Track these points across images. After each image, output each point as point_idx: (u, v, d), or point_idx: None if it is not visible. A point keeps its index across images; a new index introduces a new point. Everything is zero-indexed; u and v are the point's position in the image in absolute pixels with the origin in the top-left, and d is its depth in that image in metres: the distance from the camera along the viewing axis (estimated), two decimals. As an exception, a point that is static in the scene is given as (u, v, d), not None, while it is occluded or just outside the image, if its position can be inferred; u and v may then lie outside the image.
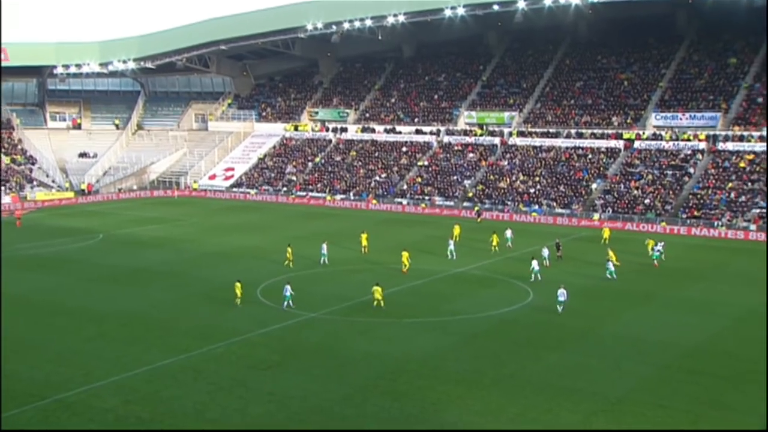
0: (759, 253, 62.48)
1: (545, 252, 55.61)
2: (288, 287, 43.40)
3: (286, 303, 42.91)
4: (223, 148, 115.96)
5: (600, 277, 51.45)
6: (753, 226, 70.85)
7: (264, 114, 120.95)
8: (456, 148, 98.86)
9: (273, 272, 52.87)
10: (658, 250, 56.72)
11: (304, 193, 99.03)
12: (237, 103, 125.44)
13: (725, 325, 40.63)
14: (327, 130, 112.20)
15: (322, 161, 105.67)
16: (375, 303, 42.65)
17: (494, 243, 61.36)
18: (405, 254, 53.38)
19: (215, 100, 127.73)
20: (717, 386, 31.34)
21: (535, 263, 50.66)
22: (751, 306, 44.53)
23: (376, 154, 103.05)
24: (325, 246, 56.50)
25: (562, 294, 42.28)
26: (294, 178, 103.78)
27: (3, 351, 35.16)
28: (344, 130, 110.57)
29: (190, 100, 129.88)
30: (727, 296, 47.12)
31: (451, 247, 58.80)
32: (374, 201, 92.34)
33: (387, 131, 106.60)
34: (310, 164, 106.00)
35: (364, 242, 60.92)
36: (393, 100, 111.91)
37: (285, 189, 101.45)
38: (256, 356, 35.14)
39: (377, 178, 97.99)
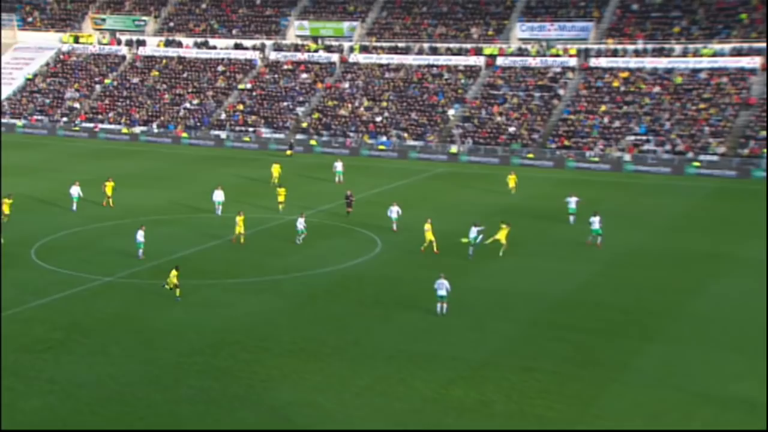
0: (633, 186, 66.76)
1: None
2: (140, 232, 44.11)
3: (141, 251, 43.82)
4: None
5: (463, 222, 53.24)
6: (627, 156, 75.56)
7: (30, 20, 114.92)
8: (285, 67, 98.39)
9: (52, 227, 51.12)
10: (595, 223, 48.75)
11: (92, 125, 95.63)
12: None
13: (597, 271, 43.40)
14: (119, 43, 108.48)
15: (114, 83, 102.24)
16: (169, 288, 38.38)
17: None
18: (240, 219, 51.08)
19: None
20: (587, 342, 33.57)
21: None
22: (626, 247, 47.72)
23: (185, 74, 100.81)
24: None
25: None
26: (77, 105, 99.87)
27: None
28: (142, 43, 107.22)
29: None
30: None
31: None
32: (184, 134, 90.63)
33: (198, 45, 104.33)
34: (98, 87, 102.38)
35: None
36: (204, 6, 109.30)
37: (65, 119, 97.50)
38: (30, 335, 33.92)
39: (187, 105, 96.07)
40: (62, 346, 32.96)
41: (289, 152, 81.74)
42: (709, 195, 64.62)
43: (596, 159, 76.05)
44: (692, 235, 51.36)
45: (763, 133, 73.97)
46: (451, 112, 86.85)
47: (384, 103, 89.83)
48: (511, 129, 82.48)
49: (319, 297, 38.79)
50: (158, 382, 29.62)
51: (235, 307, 37.62)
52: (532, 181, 69.03)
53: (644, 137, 77.68)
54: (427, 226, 46.30)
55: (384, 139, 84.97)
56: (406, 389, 29.30)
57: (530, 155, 78.15)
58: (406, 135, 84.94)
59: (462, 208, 58.50)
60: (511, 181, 62.61)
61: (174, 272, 37.89)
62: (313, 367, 31.05)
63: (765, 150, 72.14)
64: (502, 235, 45.42)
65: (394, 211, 51.01)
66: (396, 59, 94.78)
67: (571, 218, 53.08)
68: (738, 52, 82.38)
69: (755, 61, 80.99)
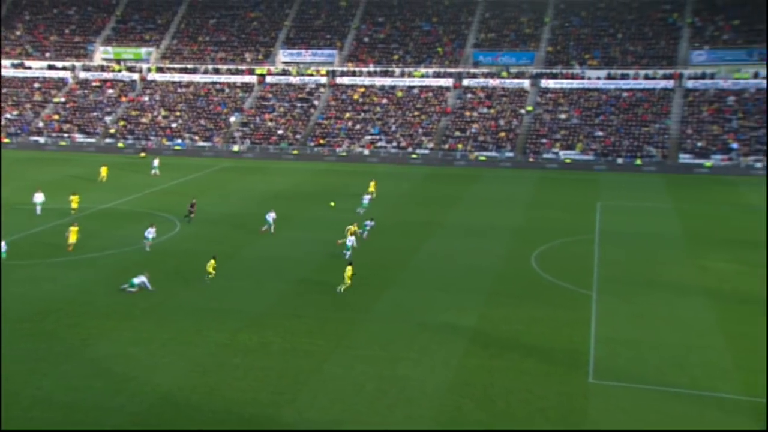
0: (370, 174, 68.62)
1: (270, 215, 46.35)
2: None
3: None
4: None
5: (245, 205, 52.61)
6: (367, 151, 77.51)
7: None
8: (94, 84, 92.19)
9: None
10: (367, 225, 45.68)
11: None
12: None
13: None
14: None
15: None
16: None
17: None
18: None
19: None
20: (342, 293, 34.37)
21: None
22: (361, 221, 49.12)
23: (4, 90, 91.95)
24: None
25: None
26: None
27: None
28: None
29: None
30: (347, 213, 50.96)
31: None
32: (6, 140, 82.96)
33: (15, 66, 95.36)
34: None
35: None
36: (19, 33, 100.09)
37: None
38: None
39: (8, 115, 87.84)
40: None
41: (143, 155, 77.01)
42: (423, 179, 67.11)
43: (344, 154, 77.35)
44: (413, 208, 53.47)
45: (458, 133, 78.22)
46: (232, 119, 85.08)
47: (178, 113, 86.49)
48: (280, 132, 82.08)
49: (130, 269, 36.85)
50: (-7, 348, 27.28)
51: (58, 281, 35.35)
52: (298, 172, 69.33)
53: (378, 137, 79.85)
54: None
55: (179, 141, 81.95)
56: (203, 338, 28.82)
57: (295, 152, 78.23)
58: (196, 137, 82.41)
59: (243, 193, 57.83)
60: (371, 187, 56.54)
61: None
62: (126, 326, 29.83)
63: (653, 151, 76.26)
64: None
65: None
66: (186, 78, 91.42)
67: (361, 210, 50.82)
68: (438, 75, 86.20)
69: (449, 81, 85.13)
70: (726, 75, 78.45)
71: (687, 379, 25.56)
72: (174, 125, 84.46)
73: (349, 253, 39.29)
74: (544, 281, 36.11)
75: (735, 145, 70.90)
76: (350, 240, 40.17)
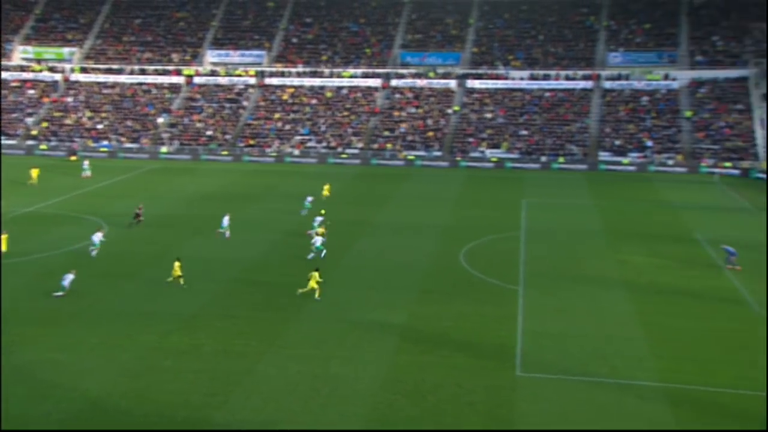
0: (301, 174, 68.30)
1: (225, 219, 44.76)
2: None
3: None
4: None
5: (175, 206, 51.53)
6: (297, 151, 77.04)
7: None
8: (13, 84, 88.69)
9: None
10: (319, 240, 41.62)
11: None
12: None
13: (278, 240, 44.01)
14: None
15: None
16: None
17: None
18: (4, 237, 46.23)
19: None
20: (272, 292, 34.16)
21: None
22: (300, 222, 48.80)
23: None
24: None
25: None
26: None
27: None
28: None
29: None
30: (280, 214, 50.77)
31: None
32: None
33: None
34: None
35: None
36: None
37: None
38: None
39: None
40: None
41: (73, 158, 74.26)
42: (353, 179, 66.93)
43: (275, 154, 76.62)
44: (343, 208, 53.22)
45: (387, 133, 78.61)
46: (160, 120, 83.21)
47: (103, 114, 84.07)
48: (209, 132, 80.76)
49: (56, 273, 35.61)
50: None
51: (-20, 289, 33.82)
52: (228, 173, 68.38)
53: (308, 137, 79.48)
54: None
55: (105, 142, 79.67)
56: (132, 342, 28.18)
57: (224, 152, 77.10)
58: (123, 139, 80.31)
59: (173, 195, 56.68)
60: (326, 190, 55.93)
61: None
62: (52, 331, 28.90)
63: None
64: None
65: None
66: (112, 78, 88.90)
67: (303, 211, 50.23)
68: (367, 75, 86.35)
69: (378, 82, 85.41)
70: (640, 76, 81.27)
71: (608, 369, 26.42)
72: (100, 126, 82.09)
73: (312, 255, 38.97)
74: (472, 278, 36.68)
75: (650, 143, 73.54)
76: (317, 240, 39.72)
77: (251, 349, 27.62)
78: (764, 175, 65.65)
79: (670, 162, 71.03)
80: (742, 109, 75.41)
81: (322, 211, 46.37)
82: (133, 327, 29.50)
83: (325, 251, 39.47)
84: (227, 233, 43.64)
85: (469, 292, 34.49)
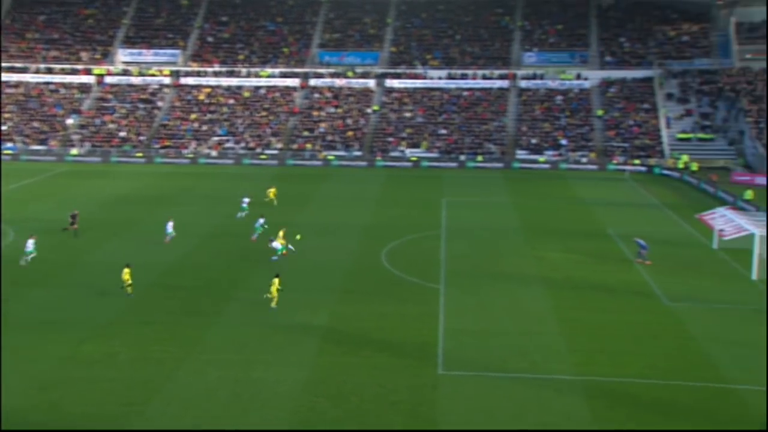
0: (221, 176, 67.25)
1: (169, 225, 43.48)
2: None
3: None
4: None
5: (89, 210, 49.69)
6: (214, 152, 75.75)
7: None
8: None
9: None
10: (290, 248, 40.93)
11: None
12: None
13: (195, 243, 43.12)
14: None
15: None
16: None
17: None
18: None
19: None
20: (192, 297, 33.53)
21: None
22: (216, 221, 48.02)
23: None
24: None
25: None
26: None
27: None
28: None
29: None
30: (196, 216, 49.81)
31: None
32: None
33: None
34: None
35: None
36: None
37: None
38: None
39: None
40: None
41: None
42: (272, 179, 65.67)
43: (191, 155, 75.06)
44: (263, 209, 52.36)
45: (306, 133, 78.25)
46: (69, 121, 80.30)
47: (7, 114, 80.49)
48: (122, 134, 78.47)
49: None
50: None
51: None
52: (143, 175, 66.65)
53: (225, 137, 78.28)
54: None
55: (10, 144, 76.31)
56: (42, 353, 27.16)
57: (138, 154, 75.08)
58: (29, 140, 77.11)
59: (84, 199, 54.69)
60: (272, 194, 54.44)
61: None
62: (-45, 346, 27.39)
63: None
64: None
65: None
66: (15, 77, 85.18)
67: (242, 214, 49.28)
68: (285, 75, 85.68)
69: (296, 82, 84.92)
70: (553, 76, 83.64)
71: (527, 364, 27.09)
72: (3, 128, 78.54)
73: (276, 258, 38.34)
74: (394, 277, 36.95)
75: (564, 142, 75.77)
76: (277, 245, 38.90)
77: (170, 356, 27.02)
78: (668, 172, 68.75)
79: (584, 160, 73.38)
80: (648, 108, 78.66)
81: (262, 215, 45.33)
82: (43, 337, 28.41)
83: (293, 248, 38.99)
84: (167, 238, 42.41)
85: (390, 291, 34.73)
